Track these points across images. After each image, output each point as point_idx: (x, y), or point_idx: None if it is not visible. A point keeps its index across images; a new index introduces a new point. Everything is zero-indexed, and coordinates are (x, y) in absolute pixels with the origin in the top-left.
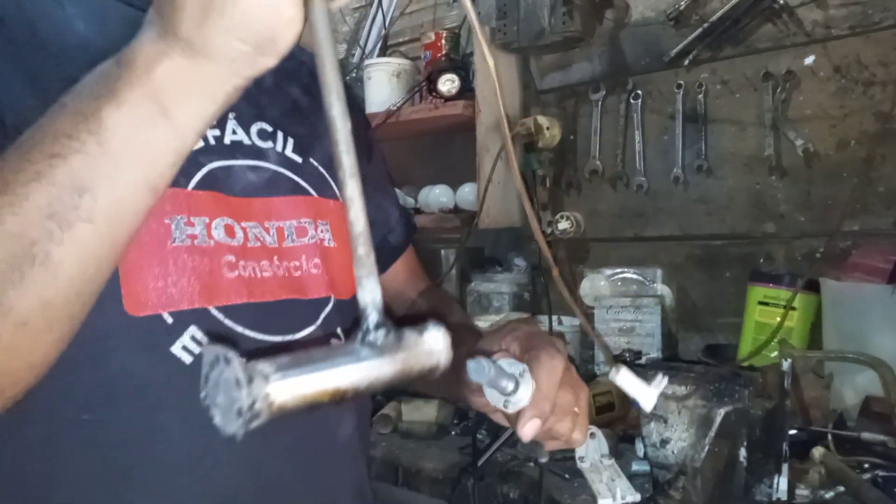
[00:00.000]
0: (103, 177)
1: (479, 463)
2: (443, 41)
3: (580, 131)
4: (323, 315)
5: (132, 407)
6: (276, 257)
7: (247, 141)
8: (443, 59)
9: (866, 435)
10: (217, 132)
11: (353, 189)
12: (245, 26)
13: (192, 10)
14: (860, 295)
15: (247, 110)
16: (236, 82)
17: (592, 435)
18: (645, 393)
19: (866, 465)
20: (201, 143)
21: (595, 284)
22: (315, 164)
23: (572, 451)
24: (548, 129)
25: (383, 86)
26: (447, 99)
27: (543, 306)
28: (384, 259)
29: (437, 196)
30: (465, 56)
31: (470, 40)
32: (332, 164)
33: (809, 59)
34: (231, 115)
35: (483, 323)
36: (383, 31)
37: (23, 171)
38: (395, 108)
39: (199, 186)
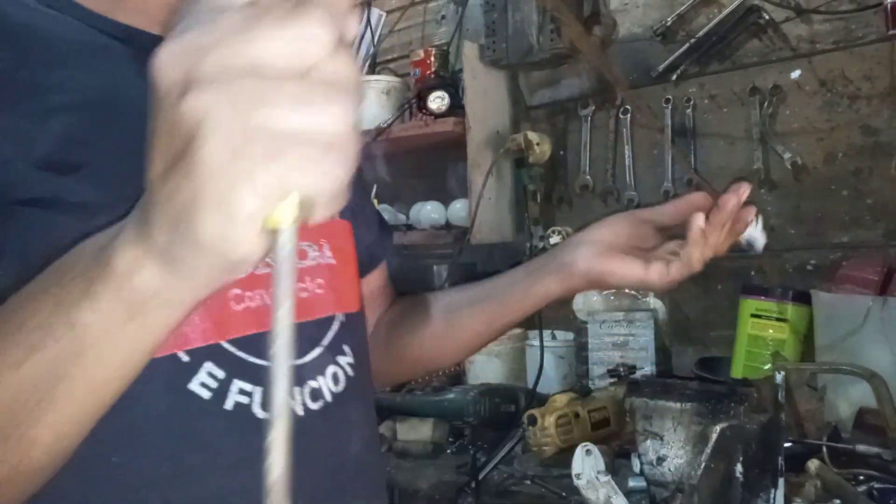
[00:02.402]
0: (78, 370)
1: (479, 479)
2: (432, 58)
3: (570, 147)
4: (330, 334)
5: (159, 447)
6: None
7: None
8: (432, 76)
9: (861, 447)
10: None
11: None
12: (207, 255)
13: (163, 222)
14: (851, 307)
15: None
16: (212, 289)
17: (588, 451)
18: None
19: (861, 478)
20: None
21: (588, 299)
22: None
23: (569, 468)
24: (538, 144)
25: (373, 103)
26: (437, 116)
27: (535, 321)
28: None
29: (428, 212)
30: (455, 73)
31: (459, 57)
32: None
33: (795, 74)
34: None
35: None
36: (372, 49)
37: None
38: (385, 125)
39: None
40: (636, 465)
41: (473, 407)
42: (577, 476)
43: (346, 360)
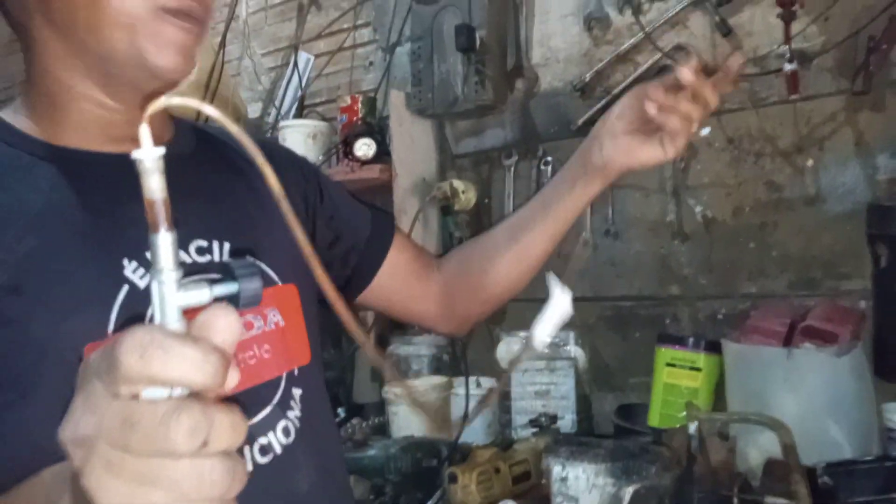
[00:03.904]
0: None
1: None
2: (359, 105)
3: (494, 195)
4: (280, 392)
5: None
6: None
7: (189, 260)
8: (359, 122)
9: (769, 499)
10: None
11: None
12: None
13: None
14: (759, 357)
15: (184, 232)
16: None
17: None
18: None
19: None
20: (149, 276)
21: (510, 348)
22: (253, 259)
23: None
24: (463, 192)
25: (299, 147)
26: (364, 163)
27: (461, 369)
28: (372, 263)
29: None
30: (382, 119)
31: (387, 103)
32: (269, 252)
33: (706, 131)
34: None
35: (401, 390)
36: (300, 92)
37: None
38: None
39: None
40: None
41: (394, 463)
42: None
43: (295, 413)
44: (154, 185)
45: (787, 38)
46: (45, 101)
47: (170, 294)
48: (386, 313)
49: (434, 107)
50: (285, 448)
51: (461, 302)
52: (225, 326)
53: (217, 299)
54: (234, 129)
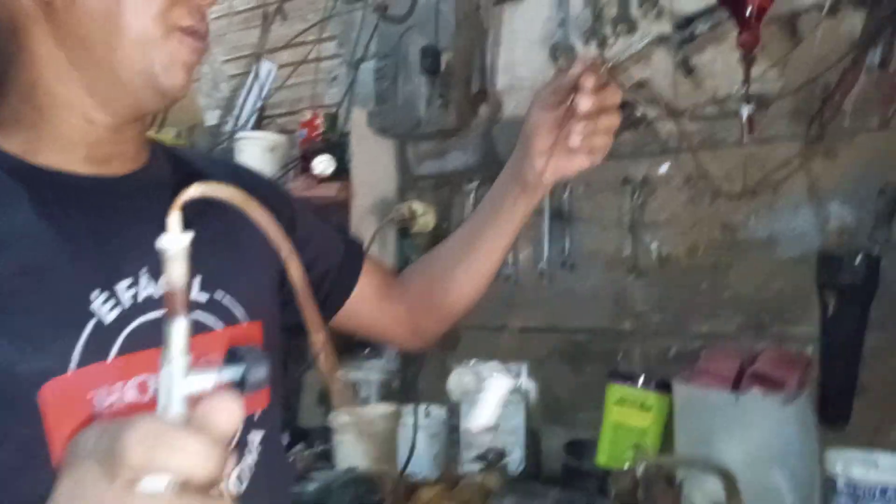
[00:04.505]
0: None
1: None
2: (319, 120)
3: (454, 219)
4: (235, 440)
5: None
6: None
7: (157, 294)
8: (319, 138)
9: None
10: (133, 292)
11: None
12: None
13: None
14: (707, 401)
15: (155, 262)
16: None
17: None
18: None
19: None
20: (119, 310)
21: (461, 380)
22: (223, 293)
23: None
24: (422, 215)
25: (256, 160)
26: (322, 180)
27: (411, 396)
28: (343, 289)
29: None
30: (343, 135)
31: (349, 120)
32: (238, 286)
33: (664, 168)
34: (143, 270)
35: (348, 417)
36: (260, 103)
37: None
38: None
39: (119, 352)
40: None
41: (336, 499)
42: None
43: (251, 458)
44: (177, 273)
45: (747, 79)
46: (30, 113)
47: (178, 381)
48: (354, 334)
49: (396, 127)
50: (240, 495)
51: (426, 319)
52: (227, 416)
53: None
54: (234, 195)
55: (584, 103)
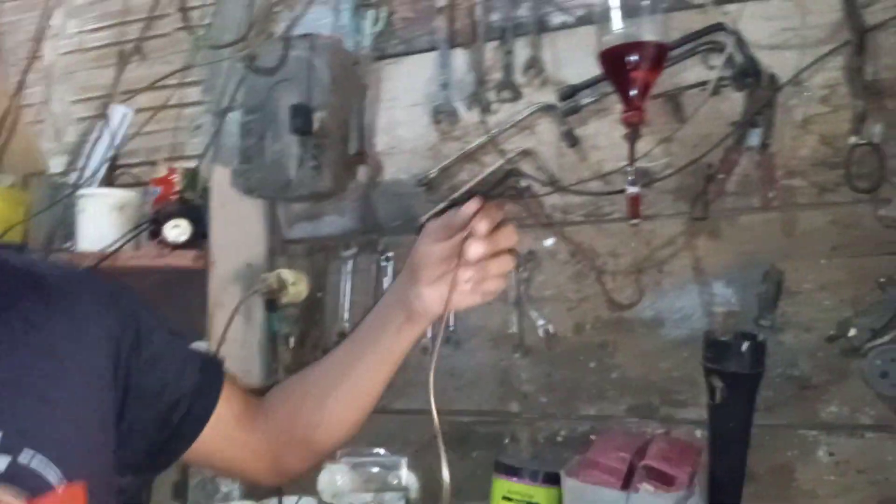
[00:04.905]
0: None
1: None
2: (176, 176)
3: (329, 289)
4: None
5: None
6: None
7: None
8: (173, 199)
9: None
10: None
11: None
12: None
13: None
14: (597, 499)
15: None
16: None
17: None
18: None
19: None
20: None
21: (333, 478)
22: (31, 452)
23: None
24: (293, 284)
25: (101, 219)
26: (175, 247)
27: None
28: (198, 419)
29: None
30: (206, 191)
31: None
32: (54, 442)
33: (549, 242)
34: None
35: None
36: (112, 151)
37: None
38: (111, 250)
39: None
40: None
41: None
42: None
43: None
44: None
45: (631, 159)
46: None
47: None
48: (205, 467)
49: (264, 188)
50: None
51: (289, 455)
52: None
53: None
54: None
55: (474, 251)
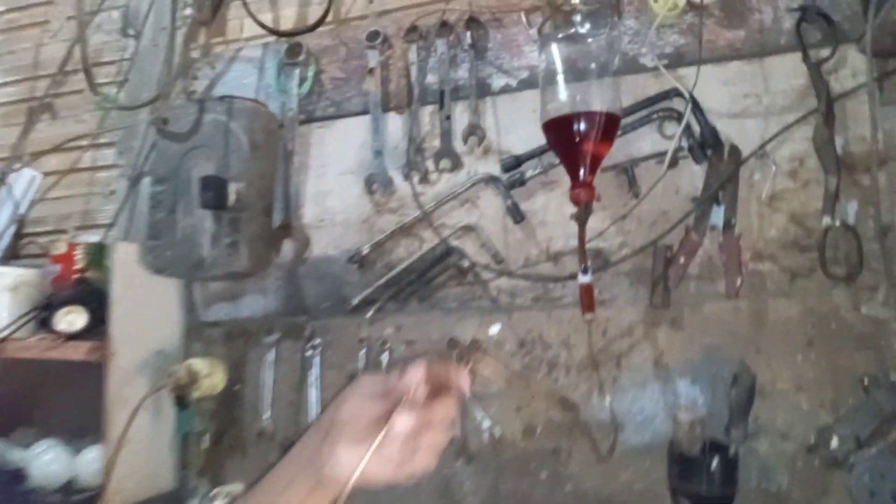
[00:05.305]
0: None
1: None
2: (78, 253)
3: (249, 380)
4: None
5: None
6: None
7: None
8: (71, 281)
9: None
10: None
11: None
12: None
13: None
14: None
15: None
16: None
17: None
18: None
19: None
20: None
21: None
22: None
23: None
24: (207, 376)
25: None
26: (70, 337)
27: None
28: None
29: (47, 464)
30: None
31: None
32: None
33: (495, 329)
34: None
35: None
36: (17, 217)
37: None
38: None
39: None
40: None
41: None
42: None
43: None
44: None
45: (581, 243)
46: None
47: None
48: None
49: (174, 267)
50: None
51: None
52: None
53: None
54: None
55: (402, 423)
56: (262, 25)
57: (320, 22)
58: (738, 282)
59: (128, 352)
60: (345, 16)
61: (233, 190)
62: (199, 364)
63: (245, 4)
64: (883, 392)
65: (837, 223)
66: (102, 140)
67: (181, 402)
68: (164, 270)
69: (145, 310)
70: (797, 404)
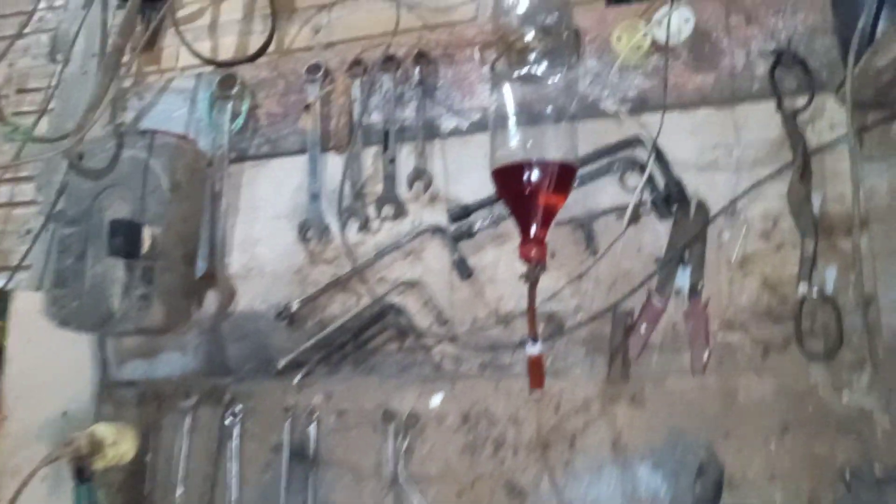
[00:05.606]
0: None
1: None
2: None
3: (162, 448)
4: None
5: None
6: None
7: None
8: None
9: None
10: None
11: None
12: None
13: None
14: None
15: None
16: None
17: None
18: None
19: None
20: None
21: None
22: None
23: None
24: (112, 444)
25: None
26: None
27: None
28: None
29: None
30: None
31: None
32: None
33: (437, 400)
34: None
35: None
36: None
37: None
38: None
39: None
40: None
41: None
42: None
43: None
44: None
45: (531, 308)
46: None
47: None
48: None
49: (81, 320)
50: None
51: None
52: None
53: None
54: None
55: None
56: (197, 54)
57: (261, 52)
58: (706, 355)
59: (24, 415)
60: (288, 46)
61: (148, 235)
62: (104, 431)
63: (178, 31)
64: (866, 488)
65: (815, 292)
66: (22, 173)
67: (81, 474)
68: (70, 323)
69: (49, 367)
70: (770, 497)
